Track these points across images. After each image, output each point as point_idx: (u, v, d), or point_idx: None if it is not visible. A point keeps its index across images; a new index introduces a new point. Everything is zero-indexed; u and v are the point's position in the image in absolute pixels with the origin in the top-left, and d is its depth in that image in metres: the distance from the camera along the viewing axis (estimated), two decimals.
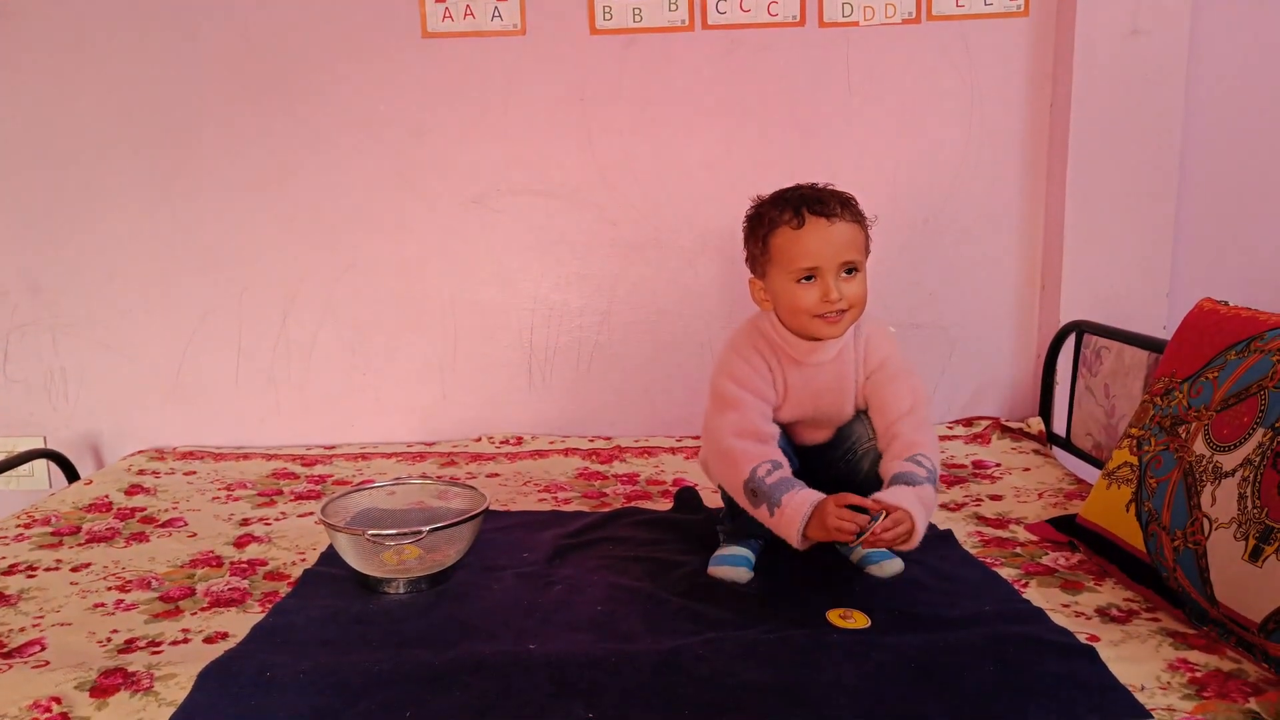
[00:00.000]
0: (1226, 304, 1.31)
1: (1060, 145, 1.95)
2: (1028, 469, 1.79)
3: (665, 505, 1.64)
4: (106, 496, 1.75)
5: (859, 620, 1.16)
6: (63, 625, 1.22)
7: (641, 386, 2.12)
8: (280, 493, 1.78)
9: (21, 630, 1.21)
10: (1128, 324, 1.79)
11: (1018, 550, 1.40)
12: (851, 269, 1.24)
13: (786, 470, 1.21)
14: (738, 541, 1.35)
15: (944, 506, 1.58)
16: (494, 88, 2.01)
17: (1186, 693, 0.99)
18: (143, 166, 2.05)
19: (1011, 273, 2.06)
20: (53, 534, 1.57)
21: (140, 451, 2.05)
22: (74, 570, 1.42)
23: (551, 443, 2.06)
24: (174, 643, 1.17)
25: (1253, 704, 0.96)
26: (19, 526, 1.59)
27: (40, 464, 2.10)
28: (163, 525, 1.61)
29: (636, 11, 1.97)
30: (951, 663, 1.04)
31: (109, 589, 1.34)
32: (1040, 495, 1.64)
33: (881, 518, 1.12)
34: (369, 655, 1.09)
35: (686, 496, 1.63)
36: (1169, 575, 1.16)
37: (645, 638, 1.13)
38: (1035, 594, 1.25)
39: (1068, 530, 1.41)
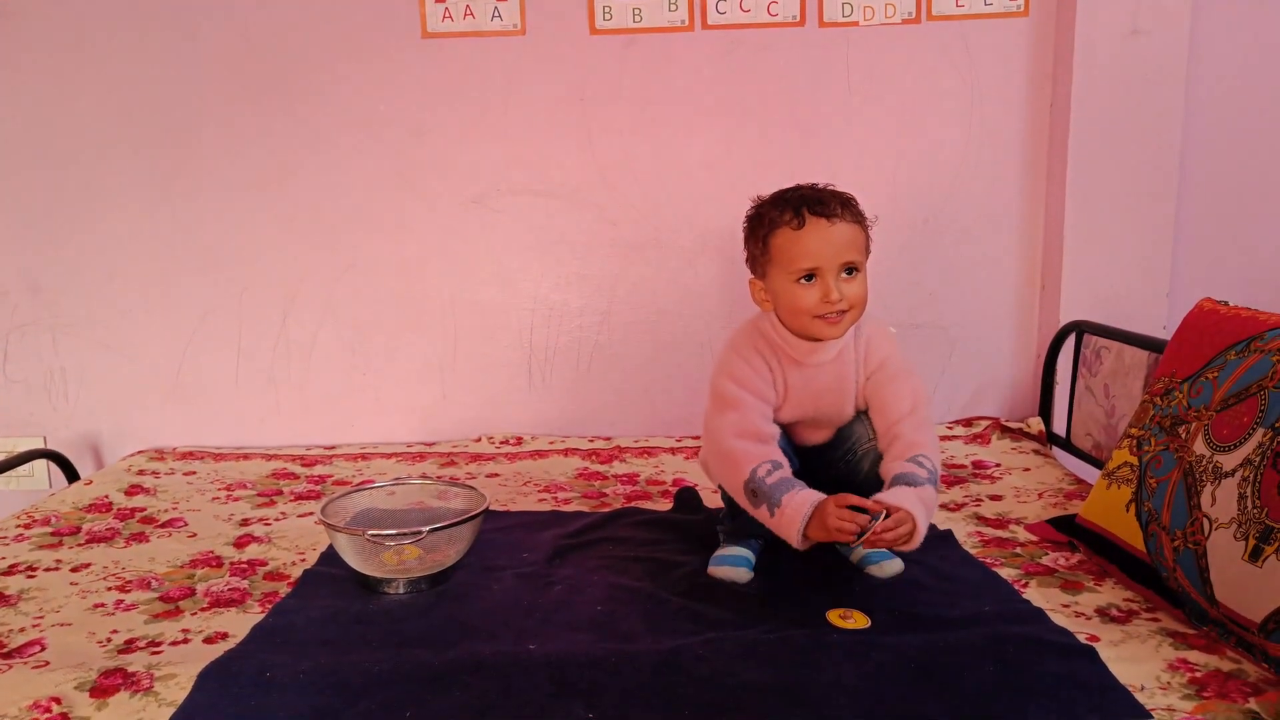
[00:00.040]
0: (1226, 304, 1.31)
1: (1060, 145, 1.95)
2: (1028, 469, 1.79)
3: (665, 505, 1.64)
4: (106, 497, 1.75)
5: (859, 620, 1.16)
6: (63, 625, 1.22)
7: (641, 386, 2.12)
8: (280, 493, 1.78)
9: (21, 630, 1.21)
10: (1128, 324, 1.79)
11: (1018, 550, 1.40)
12: (852, 269, 1.24)
13: (787, 470, 1.21)
14: (738, 541, 1.35)
15: (944, 507, 1.58)
16: (494, 88, 2.01)
17: (1186, 693, 0.99)
18: (143, 166, 2.05)
19: (1011, 273, 2.06)
20: (53, 534, 1.57)
21: (140, 452, 2.05)
22: (74, 570, 1.42)
23: (551, 443, 2.06)
24: (174, 643, 1.17)
25: (1252, 704, 0.96)
26: (19, 527, 1.59)
27: (40, 464, 2.10)
28: (163, 525, 1.61)
29: (636, 11, 1.97)
30: (951, 663, 1.04)
31: (109, 589, 1.34)
32: (1040, 495, 1.64)
33: (882, 518, 1.12)
34: (369, 655, 1.09)
35: (686, 496, 1.63)
36: (1169, 575, 1.16)
37: (645, 638, 1.13)
38: (1035, 594, 1.25)
39: (1068, 530, 1.41)
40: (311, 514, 1.62)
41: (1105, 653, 1.06)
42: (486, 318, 2.11)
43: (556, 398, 2.13)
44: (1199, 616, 1.12)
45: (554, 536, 1.47)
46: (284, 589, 1.32)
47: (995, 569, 1.32)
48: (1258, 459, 1.06)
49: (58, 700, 1.01)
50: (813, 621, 1.15)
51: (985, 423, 2.03)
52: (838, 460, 1.33)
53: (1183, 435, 1.21)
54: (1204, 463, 1.14)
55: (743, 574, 1.30)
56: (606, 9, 1.97)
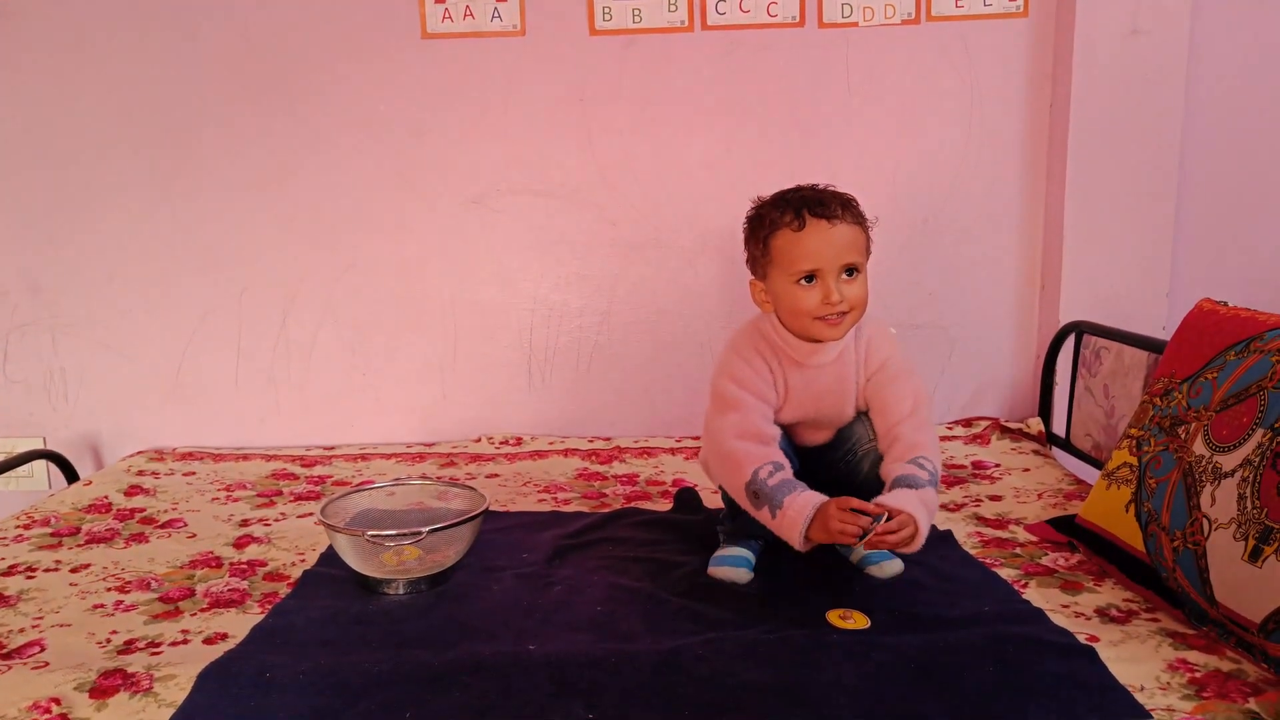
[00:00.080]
0: (1226, 304, 1.31)
1: (1060, 145, 1.95)
2: (1027, 469, 1.79)
3: (665, 506, 1.64)
4: (106, 497, 1.75)
5: (859, 621, 1.16)
6: (62, 626, 1.22)
7: (641, 387, 2.12)
8: (280, 493, 1.78)
9: (21, 631, 1.21)
10: (1127, 324, 1.79)
11: (1017, 551, 1.40)
12: (852, 270, 1.23)
13: (788, 472, 1.21)
14: (738, 542, 1.35)
15: (944, 507, 1.58)
16: (494, 88, 2.01)
17: (1186, 693, 0.99)
18: (143, 166, 2.05)
19: (1011, 273, 2.06)
20: (52, 535, 1.57)
21: (140, 452, 2.05)
22: (73, 571, 1.42)
23: (551, 443, 2.06)
24: (173, 643, 1.17)
25: (1252, 704, 0.96)
26: (18, 527, 1.59)
27: (40, 465, 2.10)
28: (162, 526, 1.61)
29: (636, 12, 1.97)
30: (951, 663, 1.04)
31: (108, 590, 1.34)
32: (1040, 496, 1.65)
33: (884, 520, 1.12)
34: (369, 656, 1.09)
35: (686, 497, 1.63)
36: (1168, 575, 1.16)
37: (645, 638, 1.13)
38: (1035, 594, 1.25)
39: (1067, 531, 1.41)
40: (311, 514, 1.62)
41: (1105, 653, 1.06)
42: (486, 318, 2.11)
43: (556, 398, 2.13)
44: (1199, 617, 1.12)
45: (554, 537, 1.47)
46: (284, 590, 1.32)
47: (995, 569, 1.33)
48: (1257, 459, 1.06)
49: (57, 701, 1.01)
50: (813, 622, 1.15)
51: (985, 423, 2.03)
52: (838, 461, 1.33)
53: (1182, 436, 1.21)
54: (1203, 463, 1.14)
55: (743, 574, 1.30)
56: (606, 9, 1.97)
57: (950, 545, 1.42)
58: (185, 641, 1.17)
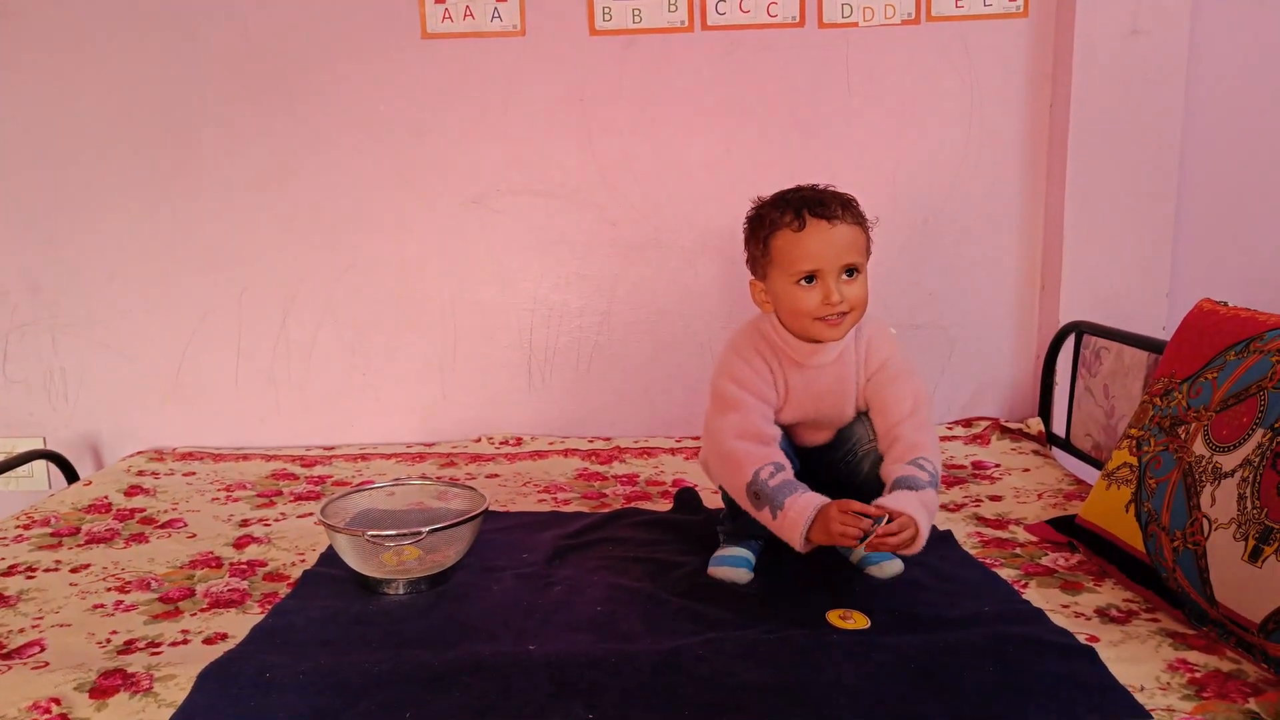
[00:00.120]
0: (1226, 304, 1.31)
1: (1060, 145, 1.95)
2: (1027, 470, 1.79)
3: (665, 506, 1.64)
4: (106, 497, 1.75)
5: (859, 621, 1.16)
6: (62, 626, 1.22)
7: (641, 387, 2.12)
8: (280, 493, 1.78)
9: (21, 631, 1.21)
10: (1127, 324, 1.79)
11: (1017, 551, 1.40)
12: (852, 271, 1.23)
13: (789, 473, 1.21)
14: (738, 542, 1.35)
15: (944, 507, 1.58)
16: (494, 88, 2.01)
17: (1186, 693, 0.99)
18: (143, 166, 2.05)
19: (1011, 273, 2.06)
20: (52, 535, 1.57)
21: (140, 452, 2.05)
22: (73, 571, 1.42)
23: (551, 443, 2.06)
24: (173, 644, 1.17)
25: (1252, 704, 0.96)
26: (18, 527, 1.59)
27: (40, 465, 2.10)
28: (162, 526, 1.61)
29: (636, 12, 1.97)
30: (951, 663, 1.04)
31: (108, 590, 1.34)
32: (1040, 496, 1.65)
33: (884, 522, 1.12)
34: (369, 656, 1.09)
35: (686, 497, 1.63)
36: (1168, 576, 1.16)
37: (645, 638, 1.13)
38: (1035, 594, 1.25)
39: (1067, 531, 1.41)
40: (311, 514, 1.62)
41: (1105, 653, 1.06)
42: (486, 318, 2.11)
43: (556, 398, 2.13)
44: (1198, 617, 1.12)
45: (554, 537, 1.47)
46: (284, 590, 1.32)
47: (995, 569, 1.33)
48: (1257, 459, 1.06)
49: (57, 701, 1.01)
50: (813, 622, 1.15)
51: (985, 423, 2.03)
52: (838, 461, 1.33)
53: (1182, 436, 1.21)
54: (1203, 463, 1.14)
55: (743, 574, 1.30)
56: (606, 10, 1.97)
57: (950, 545, 1.42)
58: (185, 641, 1.17)
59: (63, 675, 1.06)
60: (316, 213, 2.06)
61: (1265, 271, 1.98)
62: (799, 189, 1.26)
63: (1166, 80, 1.89)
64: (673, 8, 1.97)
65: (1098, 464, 1.72)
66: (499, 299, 2.10)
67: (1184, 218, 1.96)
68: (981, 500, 1.64)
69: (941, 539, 1.43)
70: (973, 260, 2.05)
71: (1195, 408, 1.21)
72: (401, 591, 1.28)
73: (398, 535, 1.27)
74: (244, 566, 1.42)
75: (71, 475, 2.00)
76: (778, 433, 1.27)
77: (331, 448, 2.07)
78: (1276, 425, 1.06)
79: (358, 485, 1.64)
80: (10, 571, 1.41)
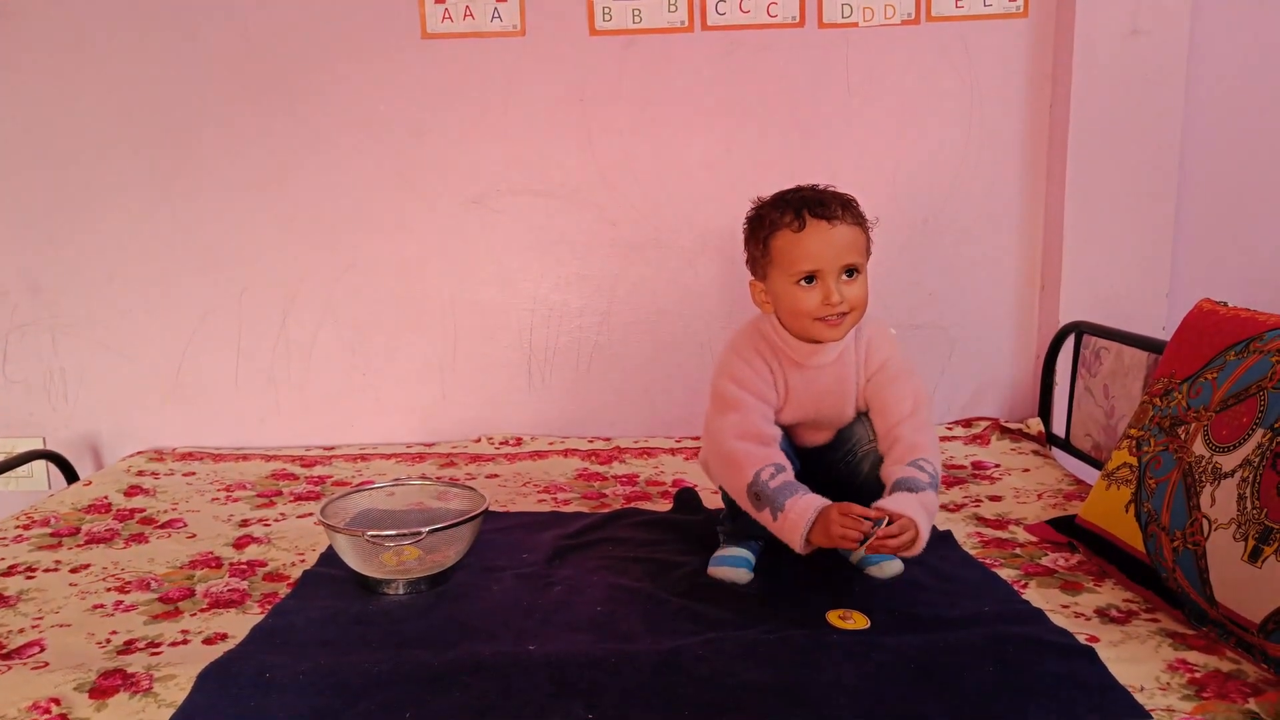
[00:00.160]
0: (1226, 304, 1.31)
1: (1060, 145, 1.95)
2: (1027, 470, 1.79)
3: (665, 506, 1.64)
4: (106, 497, 1.75)
5: (859, 621, 1.16)
6: (62, 626, 1.22)
7: (641, 387, 2.12)
8: (280, 494, 1.78)
9: (21, 631, 1.21)
10: (1127, 324, 1.79)
11: (1017, 551, 1.40)
12: (852, 271, 1.23)
13: (789, 474, 1.21)
14: (738, 542, 1.35)
15: (943, 507, 1.58)
16: (494, 88, 2.01)
17: (1186, 693, 0.99)
18: (143, 166, 2.05)
19: (1011, 273, 2.06)
20: (52, 535, 1.57)
21: (139, 452, 2.05)
22: (73, 571, 1.42)
23: (551, 443, 2.06)
24: (173, 644, 1.17)
25: (1252, 704, 0.96)
26: (18, 528, 1.59)
27: (39, 465, 2.10)
28: (162, 526, 1.61)
29: (636, 12, 1.97)
30: (951, 663, 1.04)
31: (108, 590, 1.34)
32: (1039, 496, 1.65)
33: (885, 524, 1.12)
34: (368, 656, 1.09)
35: (686, 497, 1.63)
36: (1168, 576, 1.16)
37: (645, 638, 1.13)
38: (1035, 595, 1.25)
39: (1067, 531, 1.41)
40: (311, 515, 1.62)
41: (1105, 653, 1.06)
42: (486, 318, 2.11)
43: (556, 398, 2.13)
44: (1198, 617, 1.12)
45: (554, 537, 1.47)
46: (283, 590, 1.32)
47: (995, 569, 1.33)
48: (1257, 460, 1.06)
49: (57, 701, 1.01)
50: (812, 622, 1.15)
51: (985, 423, 2.03)
52: (838, 462, 1.33)
53: (1182, 436, 1.21)
54: (1203, 463, 1.14)
55: (743, 575, 1.30)
56: (606, 10, 1.97)
57: (950, 545, 1.42)
58: (185, 642, 1.17)
59: (62, 675, 1.06)
60: (316, 213, 2.06)
61: (1265, 271, 1.98)
62: (799, 189, 1.26)
63: (1166, 80, 1.89)
64: (673, 8, 1.97)
65: (1098, 464, 1.72)
66: (499, 299, 2.10)
67: (1184, 218, 1.96)
68: (981, 500, 1.64)
69: (941, 539, 1.43)
70: (973, 260, 2.05)
71: (1195, 408, 1.21)
72: (401, 591, 1.28)
73: (398, 535, 1.27)
74: (244, 567, 1.42)
75: (71, 475, 2.00)
76: (778, 433, 1.27)
77: (331, 448, 2.07)
78: (1276, 425, 1.06)
79: (358, 485, 1.64)
80: (10, 572, 1.41)
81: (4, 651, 1.15)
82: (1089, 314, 1.92)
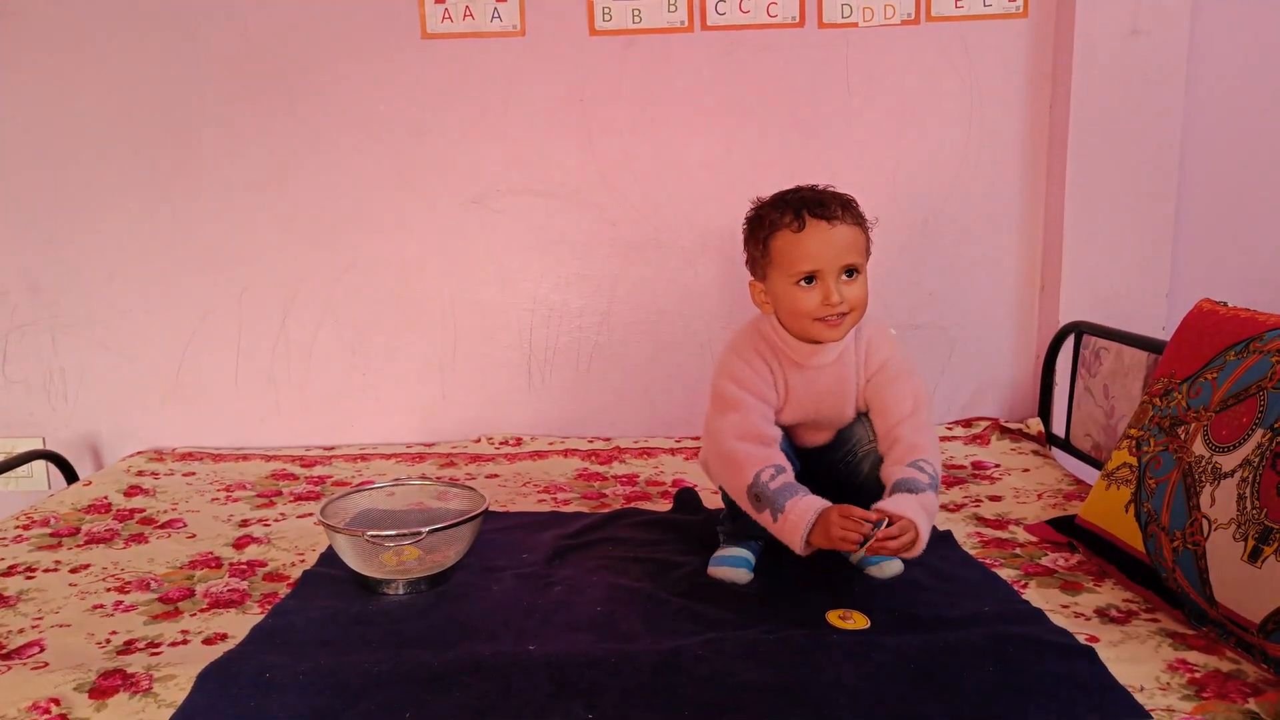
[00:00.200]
0: (1225, 304, 1.31)
1: (1060, 145, 1.95)
2: (1027, 470, 1.79)
3: (665, 506, 1.64)
4: (105, 498, 1.75)
5: (859, 621, 1.16)
6: (62, 626, 1.22)
7: (641, 387, 2.12)
8: (279, 494, 1.78)
9: (20, 631, 1.21)
10: (1127, 324, 1.79)
11: (1017, 551, 1.40)
12: (852, 271, 1.23)
13: (790, 475, 1.21)
14: (738, 542, 1.35)
15: (943, 507, 1.58)
16: (494, 88, 2.01)
17: (1186, 693, 0.99)
18: (143, 166, 2.05)
19: (1011, 273, 2.06)
20: (51, 535, 1.57)
21: (139, 452, 2.05)
22: (73, 571, 1.42)
23: (551, 443, 2.06)
24: (173, 644, 1.17)
25: (1252, 704, 0.96)
26: (18, 528, 1.59)
27: (39, 465, 2.10)
28: (162, 526, 1.61)
29: (636, 12, 1.97)
30: (951, 663, 1.04)
31: (108, 590, 1.34)
32: (1039, 496, 1.65)
33: (884, 525, 1.12)
34: (368, 656, 1.09)
35: (686, 497, 1.63)
36: (1168, 576, 1.16)
37: (645, 638, 1.13)
38: (1034, 595, 1.25)
39: (1067, 531, 1.41)
40: (311, 515, 1.62)
41: (1105, 653, 1.06)
42: (486, 318, 2.11)
43: (556, 398, 2.13)
44: (1198, 617, 1.12)
45: (554, 537, 1.47)
46: (283, 590, 1.32)
47: (995, 569, 1.33)
48: (1257, 460, 1.06)
49: (57, 701, 1.01)
50: (812, 622, 1.15)
51: (985, 423, 2.03)
52: (838, 462, 1.33)
53: (1182, 436, 1.21)
54: (1203, 463, 1.14)
55: (742, 575, 1.30)
56: (606, 10, 1.97)
57: (950, 545, 1.42)
58: (185, 642, 1.17)
59: (62, 675, 1.06)
60: (316, 213, 2.06)
61: (1265, 271, 1.98)
62: (798, 189, 1.26)
63: (1166, 80, 1.89)
64: (673, 8, 1.97)
65: (1097, 464, 1.72)
66: (499, 299, 2.10)
67: (1184, 218, 1.96)
68: (981, 500, 1.64)
69: (941, 539, 1.43)
70: (973, 260, 2.05)
71: (1195, 408, 1.21)
72: (401, 592, 1.28)
73: (397, 535, 1.27)
74: (244, 567, 1.42)
75: (71, 475, 2.00)
76: (778, 433, 1.27)
77: (331, 448, 2.07)
78: (1276, 425, 1.06)
79: (357, 485, 1.64)
80: (10, 572, 1.41)
81: (4, 652, 1.15)
82: (1089, 314, 1.92)
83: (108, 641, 1.18)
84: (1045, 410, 2.00)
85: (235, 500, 1.74)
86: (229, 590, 1.33)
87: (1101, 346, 1.77)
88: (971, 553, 1.39)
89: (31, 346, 2.12)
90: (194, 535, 1.56)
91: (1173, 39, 1.87)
